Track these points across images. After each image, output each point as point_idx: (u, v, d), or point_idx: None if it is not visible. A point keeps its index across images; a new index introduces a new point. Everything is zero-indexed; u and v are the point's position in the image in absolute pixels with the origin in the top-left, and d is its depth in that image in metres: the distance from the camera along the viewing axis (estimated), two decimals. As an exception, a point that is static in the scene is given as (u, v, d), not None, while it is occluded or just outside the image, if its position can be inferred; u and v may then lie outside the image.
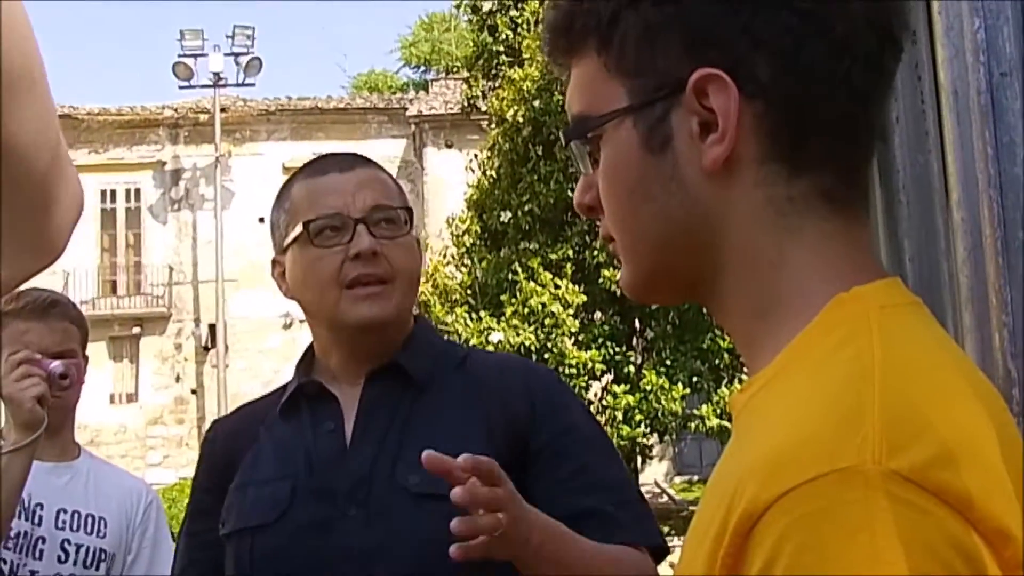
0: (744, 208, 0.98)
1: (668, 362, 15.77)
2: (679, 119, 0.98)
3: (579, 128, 1.05)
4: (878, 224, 1.32)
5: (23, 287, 2.77)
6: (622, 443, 15.60)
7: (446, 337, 2.78)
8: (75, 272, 29.16)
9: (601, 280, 15.41)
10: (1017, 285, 1.05)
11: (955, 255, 1.20)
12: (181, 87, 29.59)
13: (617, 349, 16.01)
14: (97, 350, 28.69)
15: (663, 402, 15.40)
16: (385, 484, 1.91)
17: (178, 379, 29.81)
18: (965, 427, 0.84)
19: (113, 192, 29.91)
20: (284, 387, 2.14)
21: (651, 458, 18.75)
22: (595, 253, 15.46)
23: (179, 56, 29.22)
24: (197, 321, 29.63)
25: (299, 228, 2.02)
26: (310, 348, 2.15)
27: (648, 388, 15.54)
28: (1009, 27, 1.12)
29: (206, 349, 29.38)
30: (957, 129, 1.18)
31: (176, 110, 30.29)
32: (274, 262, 2.12)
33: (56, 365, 2.75)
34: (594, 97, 1.03)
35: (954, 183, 1.19)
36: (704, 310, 1.12)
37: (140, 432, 29.56)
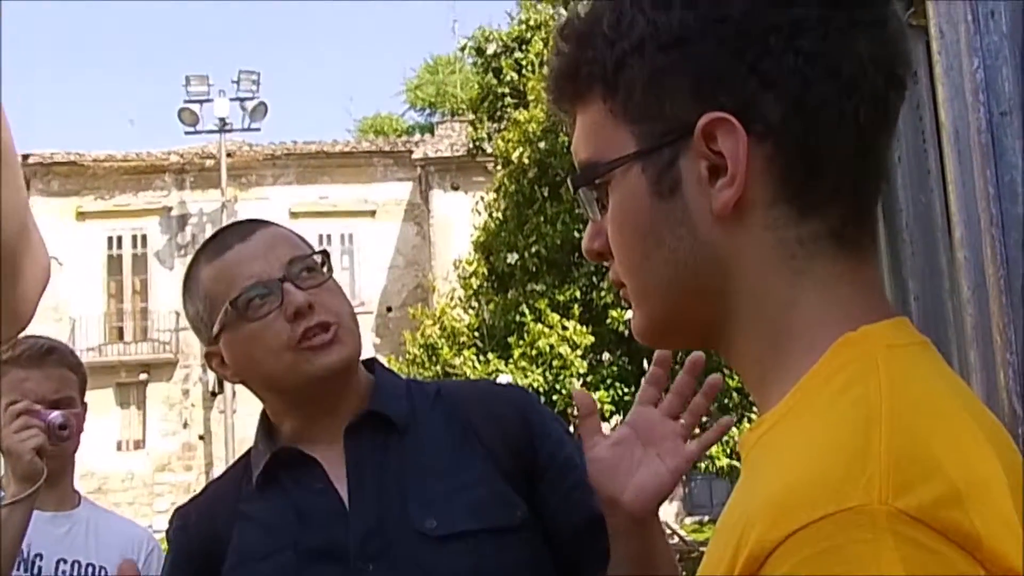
0: (754, 251, 0.99)
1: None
2: (688, 163, 0.99)
3: (587, 175, 1.05)
4: (882, 263, 1.32)
5: (21, 335, 2.77)
6: (631, 484, 15.53)
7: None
8: (81, 319, 29.23)
9: (609, 321, 15.37)
10: (1020, 324, 1.05)
11: (959, 294, 1.20)
12: (187, 132, 29.75)
13: (626, 390, 15.94)
14: (104, 397, 28.71)
15: (672, 442, 15.36)
16: (401, 533, 1.87)
17: (185, 425, 29.79)
18: (973, 466, 0.84)
19: (119, 238, 30.02)
20: (244, 461, 2.06)
21: (661, 499, 18.65)
22: (602, 294, 15.44)
23: (185, 102, 29.38)
24: (204, 367, 29.60)
25: (225, 311, 1.94)
26: (264, 418, 2.07)
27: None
28: (1008, 67, 1.12)
29: (213, 395, 29.37)
30: (958, 168, 1.18)
31: (182, 155, 30.43)
32: (208, 355, 2.05)
33: (55, 416, 2.74)
34: (601, 143, 1.03)
35: (956, 222, 1.19)
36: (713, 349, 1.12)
37: (148, 479, 29.51)
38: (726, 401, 16.10)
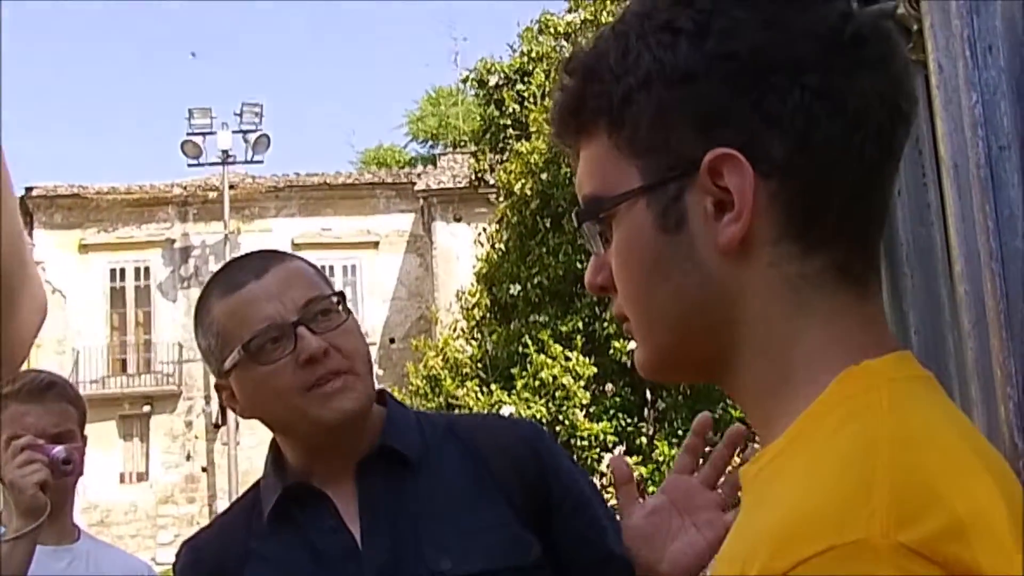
0: (759, 287, 0.99)
1: (680, 432, 15.67)
2: (693, 199, 0.99)
3: (592, 209, 1.05)
4: (883, 298, 1.32)
5: (21, 368, 2.77)
6: (635, 515, 15.50)
7: (456, 412, 2.71)
8: (84, 351, 29.24)
9: (611, 351, 15.36)
10: (1020, 358, 1.05)
11: (960, 328, 1.20)
12: (190, 165, 29.81)
13: (629, 420, 15.92)
14: (107, 429, 28.69)
15: (676, 473, 15.33)
16: (415, 574, 1.85)
17: (189, 457, 29.76)
18: (974, 500, 0.84)
19: (122, 270, 30.06)
20: (254, 494, 2.03)
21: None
22: (605, 325, 15.42)
23: (188, 134, 29.46)
24: (207, 399, 29.60)
25: (237, 352, 1.91)
26: (276, 450, 2.04)
27: (661, 459, 15.43)
28: (1006, 101, 1.13)
29: (216, 427, 29.34)
30: (958, 202, 1.19)
31: (185, 188, 30.50)
32: (218, 387, 2.02)
33: (59, 451, 2.74)
34: (606, 178, 1.03)
35: (956, 256, 1.19)
36: None
37: (151, 511, 29.46)
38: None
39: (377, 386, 2.04)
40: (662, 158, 1.00)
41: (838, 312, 1.00)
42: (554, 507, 1.93)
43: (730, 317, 1.00)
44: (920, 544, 0.79)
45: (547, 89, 17.48)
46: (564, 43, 18.02)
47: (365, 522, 1.91)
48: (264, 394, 1.93)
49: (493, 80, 18.80)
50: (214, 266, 29.30)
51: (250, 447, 26.69)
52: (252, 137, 29.38)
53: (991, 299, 1.09)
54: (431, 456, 1.97)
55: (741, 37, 0.98)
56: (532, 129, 16.73)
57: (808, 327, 0.99)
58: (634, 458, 15.69)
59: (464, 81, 20.08)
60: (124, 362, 30.19)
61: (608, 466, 15.86)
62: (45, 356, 29.44)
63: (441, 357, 16.64)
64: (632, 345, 15.64)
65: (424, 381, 16.81)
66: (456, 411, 14.43)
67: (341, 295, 2.00)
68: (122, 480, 29.50)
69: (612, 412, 15.78)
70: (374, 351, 28.04)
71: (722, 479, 1.81)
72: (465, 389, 15.82)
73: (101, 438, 28.63)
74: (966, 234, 1.17)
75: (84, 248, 30.08)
